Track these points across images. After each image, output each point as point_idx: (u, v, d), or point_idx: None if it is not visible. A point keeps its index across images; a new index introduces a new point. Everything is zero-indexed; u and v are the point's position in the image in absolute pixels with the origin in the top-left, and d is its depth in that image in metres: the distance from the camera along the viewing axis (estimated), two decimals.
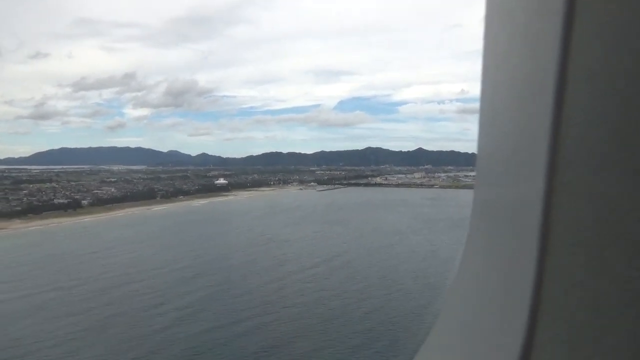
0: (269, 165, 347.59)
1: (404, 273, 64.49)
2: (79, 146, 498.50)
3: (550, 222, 0.93)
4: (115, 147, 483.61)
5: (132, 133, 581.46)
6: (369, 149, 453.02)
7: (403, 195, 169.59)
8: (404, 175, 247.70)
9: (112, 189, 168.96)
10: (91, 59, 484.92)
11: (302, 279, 62.86)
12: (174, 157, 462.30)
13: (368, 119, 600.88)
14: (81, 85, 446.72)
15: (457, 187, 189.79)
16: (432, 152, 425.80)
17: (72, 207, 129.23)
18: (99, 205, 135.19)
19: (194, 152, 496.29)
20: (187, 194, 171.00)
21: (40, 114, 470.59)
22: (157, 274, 65.76)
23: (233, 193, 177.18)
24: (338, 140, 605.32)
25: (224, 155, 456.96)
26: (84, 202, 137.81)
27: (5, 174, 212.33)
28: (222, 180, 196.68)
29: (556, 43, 0.89)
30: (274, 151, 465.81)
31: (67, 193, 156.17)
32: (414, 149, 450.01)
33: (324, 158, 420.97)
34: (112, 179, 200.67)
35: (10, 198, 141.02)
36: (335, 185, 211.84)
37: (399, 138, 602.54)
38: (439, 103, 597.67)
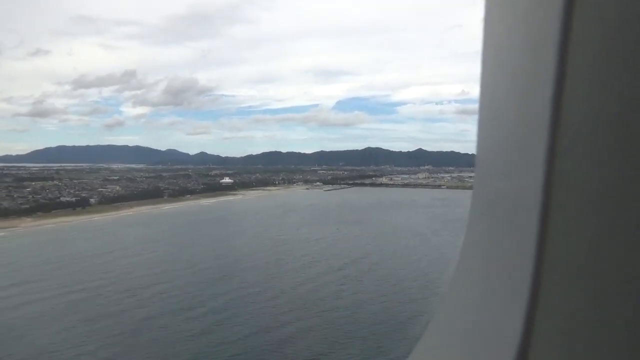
0: (269, 164, 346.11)
1: (437, 275, 62.77)
2: (76, 144, 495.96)
3: (549, 215, 0.94)
4: (114, 145, 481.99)
5: (130, 131, 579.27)
6: (368, 149, 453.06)
7: (411, 195, 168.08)
8: (407, 176, 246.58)
9: (117, 187, 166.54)
10: (91, 56, 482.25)
11: (334, 280, 61.03)
12: (173, 156, 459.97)
13: (367, 119, 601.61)
14: (81, 83, 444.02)
15: (464, 187, 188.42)
16: (432, 152, 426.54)
17: (81, 205, 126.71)
18: (107, 204, 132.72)
19: (192, 151, 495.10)
20: (194, 193, 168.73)
21: (39, 112, 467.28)
22: (183, 275, 63.69)
23: (240, 192, 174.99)
24: (337, 140, 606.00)
25: (223, 154, 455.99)
26: (92, 200, 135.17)
27: (4, 172, 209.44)
28: (227, 180, 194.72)
29: (555, 38, 0.90)
30: (274, 150, 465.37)
31: (72, 191, 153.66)
32: (413, 149, 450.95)
33: (323, 158, 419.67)
34: (115, 177, 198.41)
35: (15, 196, 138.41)
36: (341, 185, 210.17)
37: (398, 138, 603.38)
38: (437, 104, 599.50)
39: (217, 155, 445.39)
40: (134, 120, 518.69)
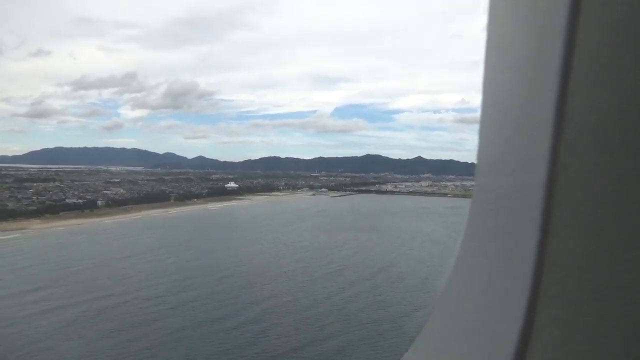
0: (268, 169, 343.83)
1: None
2: (74, 146, 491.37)
3: (552, 211, 0.93)
4: (111, 147, 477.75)
5: (128, 134, 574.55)
6: (368, 156, 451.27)
7: (419, 203, 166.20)
8: (410, 184, 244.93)
9: (121, 190, 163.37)
10: (91, 58, 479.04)
11: (367, 290, 58.73)
12: (171, 159, 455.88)
13: (365, 126, 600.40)
14: (81, 84, 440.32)
15: (470, 196, 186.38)
16: (432, 160, 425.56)
17: (88, 207, 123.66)
18: (114, 207, 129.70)
19: (190, 155, 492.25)
20: (199, 197, 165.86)
21: (37, 113, 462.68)
22: (208, 282, 61.13)
23: (247, 197, 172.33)
24: (334, 146, 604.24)
25: (221, 159, 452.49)
26: (98, 202, 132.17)
27: (2, 172, 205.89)
28: (232, 184, 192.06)
29: (560, 34, 0.89)
30: (273, 156, 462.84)
31: (76, 193, 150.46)
32: (412, 157, 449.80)
33: (322, 164, 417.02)
34: (116, 180, 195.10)
35: (19, 197, 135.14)
36: (346, 192, 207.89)
37: (395, 146, 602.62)
38: (435, 112, 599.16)
39: (215, 160, 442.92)
40: (132, 122, 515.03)
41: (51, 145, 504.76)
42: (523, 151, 1.05)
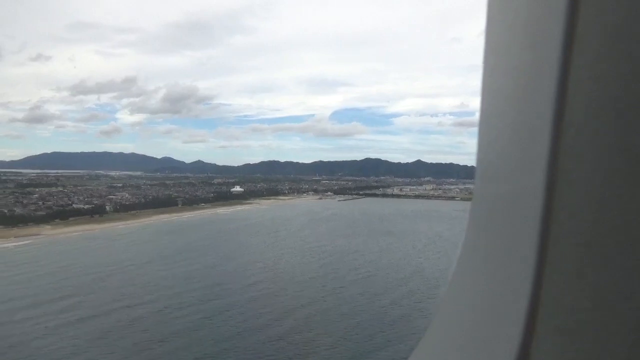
0: (267, 173, 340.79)
1: None
2: (71, 151, 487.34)
3: (552, 214, 0.92)
4: (109, 152, 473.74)
5: (125, 139, 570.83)
6: (367, 159, 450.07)
7: (429, 206, 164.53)
8: (415, 187, 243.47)
9: (126, 195, 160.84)
10: (91, 62, 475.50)
11: (405, 296, 56.60)
12: (169, 164, 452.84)
13: (364, 130, 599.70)
14: (80, 89, 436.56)
15: None
16: (432, 164, 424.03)
17: (98, 212, 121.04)
18: (123, 212, 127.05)
19: (188, 159, 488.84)
20: (206, 201, 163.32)
21: (35, 118, 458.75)
22: (238, 288, 58.73)
23: (255, 201, 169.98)
24: (333, 150, 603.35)
25: (220, 163, 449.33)
26: (107, 207, 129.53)
27: (2, 177, 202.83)
28: (238, 188, 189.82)
29: (558, 38, 0.89)
30: (272, 160, 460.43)
31: (81, 198, 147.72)
32: (411, 160, 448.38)
33: (321, 168, 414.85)
34: (118, 184, 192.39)
35: (24, 202, 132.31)
36: (352, 196, 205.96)
37: (393, 150, 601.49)
38: (432, 116, 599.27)
39: (214, 164, 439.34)
40: (130, 127, 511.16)
41: (48, 150, 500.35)
42: (522, 155, 1.05)
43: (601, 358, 0.87)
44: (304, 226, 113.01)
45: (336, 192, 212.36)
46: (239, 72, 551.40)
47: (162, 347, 40.73)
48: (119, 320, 46.77)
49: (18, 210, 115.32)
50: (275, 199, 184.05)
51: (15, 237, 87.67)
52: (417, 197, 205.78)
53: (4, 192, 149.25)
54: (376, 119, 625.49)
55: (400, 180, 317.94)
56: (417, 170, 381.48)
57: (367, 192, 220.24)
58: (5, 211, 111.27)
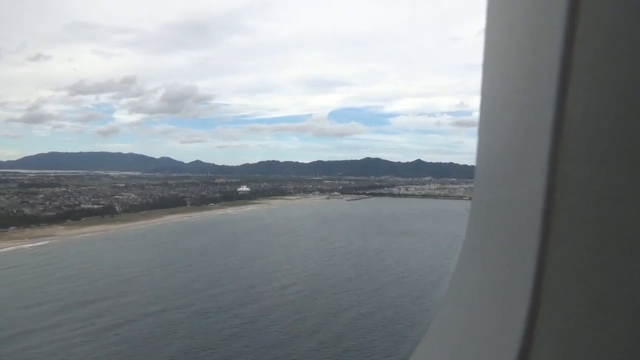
0: (266, 173, 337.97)
1: None
2: (69, 151, 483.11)
3: (552, 216, 0.92)
4: (107, 152, 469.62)
5: (123, 139, 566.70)
6: (367, 159, 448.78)
7: (440, 206, 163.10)
8: (419, 186, 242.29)
9: (133, 195, 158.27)
10: (90, 62, 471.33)
11: None
12: (167, 164, 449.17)
13: (362, 129, 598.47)
14: (78, 89, 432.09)
15: None
16: (432, 163, 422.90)
17: (108, 213, 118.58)
18: (133, 212, 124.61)
19: (186, 159, 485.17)
20: (213, 201, 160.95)
21: (33, 118, 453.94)
22: (271, 291, 56.73)
23: (263, 201, 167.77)
24: (332, 150, 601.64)
25: (218, 163, 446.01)
26: (117, 208, 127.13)
27: (2, 177, 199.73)
28: (245, 188, 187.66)
29: (558, 39, 0.88)
30: (271, 160, 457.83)
31: (87, 198, 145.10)
32: (410, 160, 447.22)
33: (321, 167, 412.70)
34: (121, 184, 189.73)
35: (31, 202, 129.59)
36: (360, 195, 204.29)
37: (391, 149, 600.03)
38: (430, 115, 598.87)
39: (213, 164, 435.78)
40: (128, 127, 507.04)
41: (46, 151, 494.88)
42: (522, 156, 1.04)
43: (601, 359, 0.86)
44: (319, 226, 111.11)
45: (342, 192, 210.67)
46: (238, 72, 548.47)
47: (212, 355, 38.77)
48: (158, 324, 44.75)
49: (27, 210, 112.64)
50: (282, 198, 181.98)
51: (29, 238, 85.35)
52: (423, 196, 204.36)
53: (9, 192, 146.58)
54: (374, 119, 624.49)
55: (402, 179, 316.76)
56: (417, 170, 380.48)
57: (373, 191, 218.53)
58: (14, 211, 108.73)
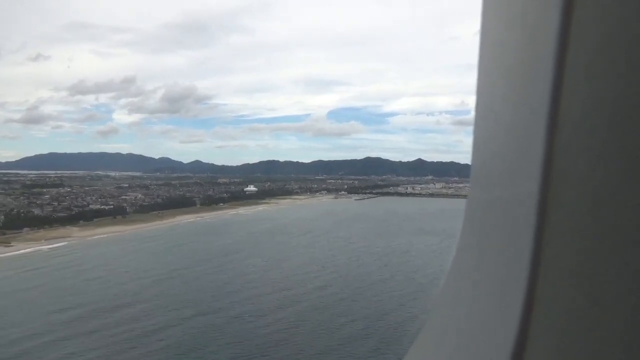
0: (266, 173, 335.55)
1: None
2: (67, 151, 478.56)
3: (547, 214, 0.92)
4: (106, 152, 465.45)
5: (122, 139, 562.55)
6: (368, 158, 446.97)
7: (450, 205, 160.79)
8: (425, 185, 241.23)
9: (139, 195, 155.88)
10: (89, 63, 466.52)
11: None
12: (166, 164, 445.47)
13: (361, 129, 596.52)
14: (78, 89, 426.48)
15: None
16: (433, 162, 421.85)
17: (119, 214, 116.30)
18: (144, 213, 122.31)
19: (185, 159, 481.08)
20: (222, 201, 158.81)
21: (32, 118, 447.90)
22: (308, 293, 54.77)
23: (272, 201, 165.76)
24: (331, 149, 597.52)
25: (218, 163, 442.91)
26: (127, 208, 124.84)
27: (3, 178, 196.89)
28: (252, 188, 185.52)
29: (553, 37, 0.88)
30: (271, 159, 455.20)
31: (94, 198, 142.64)
32: (412, 159, 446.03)
33: (321, 167, 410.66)
34: (124, 185, 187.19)
35: (38, 203, 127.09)
36: (367, 195, 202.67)
37: (391, 149, 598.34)
38: (428, 115, 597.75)
39: (212, 164, 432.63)
40: (128, 127, 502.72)
41: (44, 151, 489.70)
42: (517, 155, 1.04)
43: (596, 358, 0.86)
44: (335, 226, 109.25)
45: (349, 192, 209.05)
46: (237, 72, 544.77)
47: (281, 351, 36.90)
48: (200, 329, 42.75)
49: (36, 211, 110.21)
50: (290, 198, 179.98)
51: (45, 239, 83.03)
52: (430, 195, 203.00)
53: (14, 192, 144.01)
54: (373, 118, 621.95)
55: (403, 179, 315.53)
56: (418, 169, 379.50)
57: (380, 191, 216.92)
58: (24, 212, 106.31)
